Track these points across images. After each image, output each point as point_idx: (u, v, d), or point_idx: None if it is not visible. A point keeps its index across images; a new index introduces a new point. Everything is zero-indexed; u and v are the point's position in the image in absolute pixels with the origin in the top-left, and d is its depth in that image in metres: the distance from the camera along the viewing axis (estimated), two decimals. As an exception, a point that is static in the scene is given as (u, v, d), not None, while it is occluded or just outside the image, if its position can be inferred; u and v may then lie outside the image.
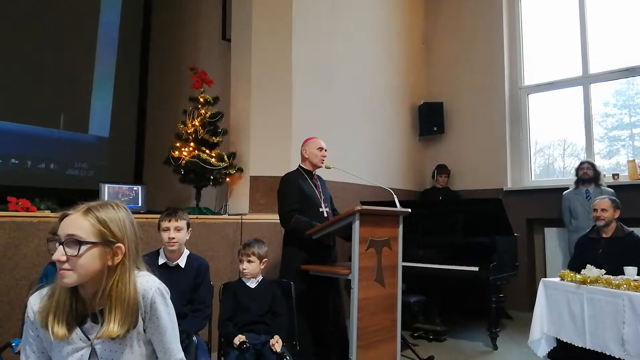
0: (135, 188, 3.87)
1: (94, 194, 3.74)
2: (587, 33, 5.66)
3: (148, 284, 1.41)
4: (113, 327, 1.31)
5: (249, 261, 2.79)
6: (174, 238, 2.56)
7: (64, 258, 1.27)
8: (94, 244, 1.30)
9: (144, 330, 1.41)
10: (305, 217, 3.30)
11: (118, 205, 1.40)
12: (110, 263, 1.34)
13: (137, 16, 6.17)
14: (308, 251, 3.31)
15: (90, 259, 1.30)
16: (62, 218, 1.32)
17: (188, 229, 2.65)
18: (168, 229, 2.57)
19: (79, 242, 1.28)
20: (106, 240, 1.32)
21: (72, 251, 1.27)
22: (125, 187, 3.82)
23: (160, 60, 6.26)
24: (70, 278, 1.29)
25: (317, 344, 3.28)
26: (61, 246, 1.27)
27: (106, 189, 3.68)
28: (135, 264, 1.41)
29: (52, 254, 1.29)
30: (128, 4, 6.02)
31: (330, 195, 3.71)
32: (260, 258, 2.82)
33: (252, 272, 2.80)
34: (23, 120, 4.94)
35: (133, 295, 1.35)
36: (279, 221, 3.42)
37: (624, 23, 5.45)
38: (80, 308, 1.35)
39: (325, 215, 3.44)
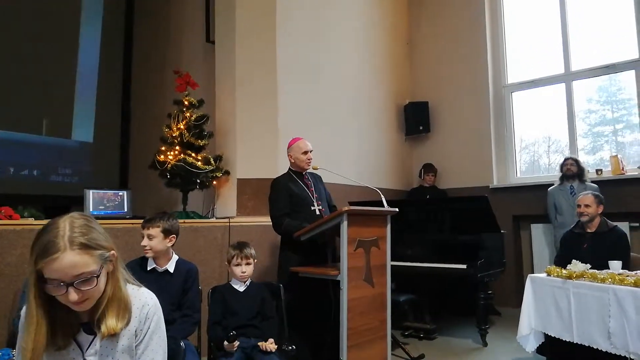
0: (120, 193, 3.83)
1: (79, 200, 3.70)
2: (568, 31, 5.73)
3: (146, 300, 1.43)
4: (111, 322, 1.32)
5: (247, 264, 2.79)
6: (146, 246, 2.56)
7: (81, 295, 1.25)
8: (101, 268, 1.30)
9: (135, 347, 1.40)
10: (296, 218, 3.31)
11: (78, 217, 1.32)
12: (109, 271, 1.35)
13: (119, 19, 6.12)
14: (303, 253, 3.30)
15: (102, 282, 1.31)
16: (47, 263, 1.21)
17: (168, 235, 2.59)
18: (143, 237, 2.58)
19: (94, 276, 1.27)
20: (105, 258, 1.31)
21: (88, 286, 1.26)
22: (110, 192, 3.77)
23: (144, 64, 6.20)
24: (87, 305, 1.29)
25: (311, 346, 3.27)
26: (71, 288, 1.23)
27: (91, 195, 3.63)
28: (122, 265, 1.41)
29: (59, 296, 1.24)
30: (110, 8, 5.96)
31: (325, 192, 3.71)
32: (254, 260, 2.83)
33: (250, 274, 2.80)
34: (4, 127, 4.87)
35: (125, 293, 1.37)
36: (267, 223, 3.42)
37: (604, 20, 5.53)
38: (72, 318, 1.34)
39: (318, 213, 3.44)
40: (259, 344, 2.56)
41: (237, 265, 2.77)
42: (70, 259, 1.22)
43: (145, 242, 2.56)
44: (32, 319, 1.26)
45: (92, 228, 1.31)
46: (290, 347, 2.58)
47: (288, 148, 3.60)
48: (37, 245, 1.24)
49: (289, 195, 3.41)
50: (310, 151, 3.55)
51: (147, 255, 2.59)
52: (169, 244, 2.61)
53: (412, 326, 4.47)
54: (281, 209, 3.37)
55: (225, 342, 2.51)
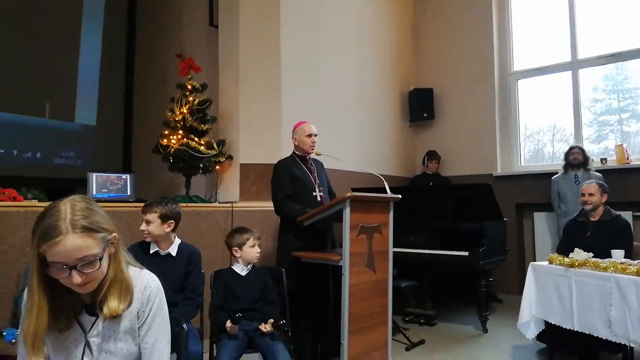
0: (123, 177, 3.83)
1: (82, 183, 3.71)
2: (575, 18, 5.66)
3: (148, 281, 1.44)
4: (113, 304, 1.33)
5: (259, 245, 2.85)
6: (144, 230, 2.58)
7: (84, 278, 1.25)
8: (103, 250, 1.29)
9: (138, 328, 1.41)
10: (298, 203, 3.30)
11: (79, 200, 1.31)
12: (112, 253, 1.35)
13: (122, 3, 6.07)
14: (303, 238, 3.30)
15: (105, 264, 1.31)
16: (50, 246, 1.21)
17: (166, 221, 2.59)
18: (143, 221, 2.60)
19: (97, 259, 1.26)
20: (107, 241, 1.31)
21: (90, 269, 1.26)
22: (113, 175, 3.77)
23: (147, 47, 6.17)
24: (91, 287, 1.30)
25: (313, 331, 3.30)
26: (74, 271, 1.23)
27: (94, 178, 3.63)
28: (123, 247, 1.42)
29: (62, 279, 1.24)
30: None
31: (327, 179, 3.70)
32: None
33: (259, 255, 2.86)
34: (8, 109, 4.87)
35: (126, 274, 1.38)
36: (269, 208, 3.42)
37: (612, 8, 5.46)
38: (74, 300, 1.34)
39: (319, 199, 3.44)
40: (260, 327, 2.58)
41: (253, 246, 2.82)
42: (72, 242, 1.22)
43: (143, 226, 2.58)
44: (34, 302, 1.26)
45: (94, 211, 1.31)
46: (282, 322, 2.60)
47: (293, 131, 3.59)
48: (39, 228, 1.23)
49: (292, 178, 3.40)
50: (315, 135, 3.53)
51: (146, 239, 2.61)
52: (168, 229, 2.61)
53: (413, 312, 4.50)
54: (284, 191, 3.35)
55: (229, 322, 2.52)
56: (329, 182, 3.75)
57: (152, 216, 2.57)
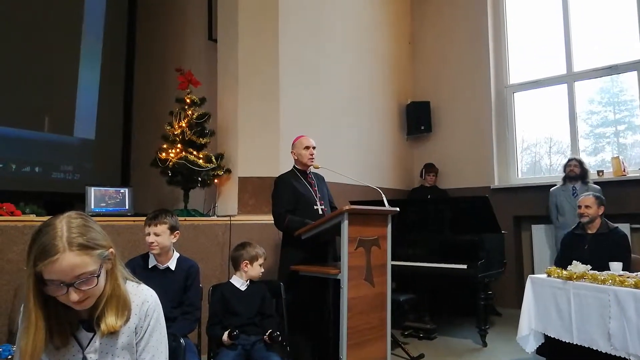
0: (122, 190, 3.83)
1: (80, 197, 3.71)
2: (570, 31, 5.72)
3: (146, 296, 1.43)
4: (111, 320, 1.32)
5: (260, 265, 2.84)
6: (153, 242, 2.56)
7: (82, 295, 1.25)
8: (101, 267, 1.29)
9: (136, 344, 1.41)
10: (299, 216, 3.31)
11: (75, 217, 1.31)
12: (108, 269, 1.35)
13: (122, 16, 6.12)
14: (305, 251, 3.30)
15: (102, 280, 1.31)
16: (46, 265, 1.20)
17: (173, 232, 2.62)
18: (149, 234, 2.58)
19: (94, 276, 1.26)
20: (104, 257, 1.31)
21: (88, 286, 1.25)
22: (112, 189, 3.77)
23: (146, 61, 6.20)
24: (88, 303, 1.29)
25: (311, 345, 3.28)
26: (72, 288, 1.23)
27: (92, 192, 3.63)
28: (120, 262, 1.41)
29: (60, 296, 1.24)
30: (112, 5, 5.96)
31: (328, 192, 3.72)
32: None
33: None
34: (6, 123, 4.87)
35: (124, 290, 1.37)
36: (268, 222, 3.42)
37: (607, 21, 5.52)
38: (71, 316, 1.34)
39: (321, 212, 3.45)
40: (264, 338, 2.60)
41: (261, 265, 2.84)
42: (70, 261, 1.22)
43: (152, 238, 2.55)
44: (31, 320, 1.25)
45: (90, 227, 1.30)
46: (275, 334, 2.59)
47: (292, 145, 3.64)
48: (35, 247, 1.23)
49: (293, 193, 3.41)
50: (313, 147, 3.56)
51: (154, 252, 2.59)
52: (174, 240, 2.64)
53: (412, 326, 4.47)
54: (284, 205, 3.36)
55: (225, 336, 2.52)
56: (330, 196, 3.76)
57: (162, 228, 2.57)
